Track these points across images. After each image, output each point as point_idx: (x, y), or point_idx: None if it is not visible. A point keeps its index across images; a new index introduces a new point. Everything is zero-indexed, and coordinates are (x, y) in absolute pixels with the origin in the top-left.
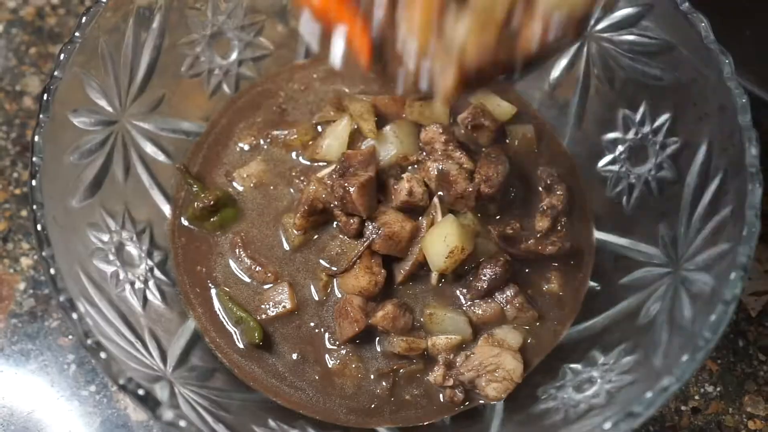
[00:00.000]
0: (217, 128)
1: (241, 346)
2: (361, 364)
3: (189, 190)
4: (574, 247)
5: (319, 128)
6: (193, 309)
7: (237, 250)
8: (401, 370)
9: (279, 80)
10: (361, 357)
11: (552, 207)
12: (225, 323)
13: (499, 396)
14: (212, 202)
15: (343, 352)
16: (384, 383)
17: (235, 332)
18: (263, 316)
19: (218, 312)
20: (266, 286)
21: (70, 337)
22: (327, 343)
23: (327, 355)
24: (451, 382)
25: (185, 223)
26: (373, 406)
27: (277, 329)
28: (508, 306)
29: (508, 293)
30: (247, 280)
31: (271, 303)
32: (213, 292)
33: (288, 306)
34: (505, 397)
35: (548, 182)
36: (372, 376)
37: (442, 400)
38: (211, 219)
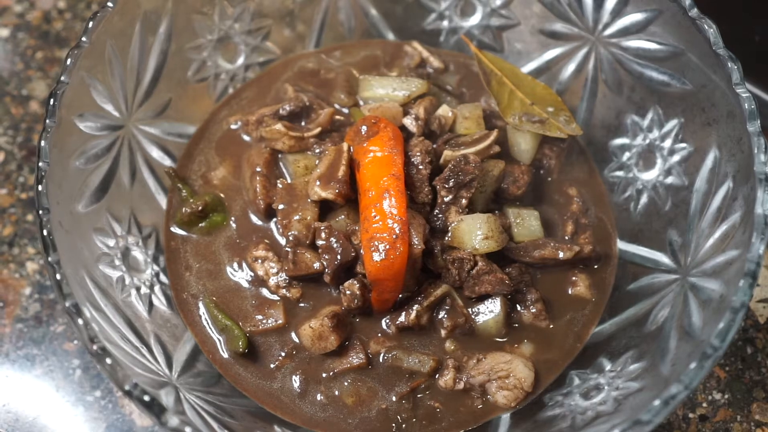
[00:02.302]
0: (209, 129)
1: (225, 355)
2: (371, 386)
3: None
4: (596, 251)
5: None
6: (184, 314)
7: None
8: (421, 386)
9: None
10: (365, 378)
11: (572, 212)
12: (210, 330)
13: (509, 404)
14: (200, 208)
15: (348, 379)
16: (405, 403)
17: (220, 340)
18: (253, 328)
19: (204, 318)
20: (271, 297)
21: (76, 342)
22: (325, 364)
23: (329, 378)
24: (462, 386)
25: (174, 228)
26: (401, 423)
27: (264, 342)
28: (525, 311)
29: (528, 298)
30: (244, 286)
31: (263, 316)
32: (200, 298)
33: (280, 322)
34: (515, 405)
35: (563, 188)
36: (394, 398)
37: (462, 409)
38: (200, 224)
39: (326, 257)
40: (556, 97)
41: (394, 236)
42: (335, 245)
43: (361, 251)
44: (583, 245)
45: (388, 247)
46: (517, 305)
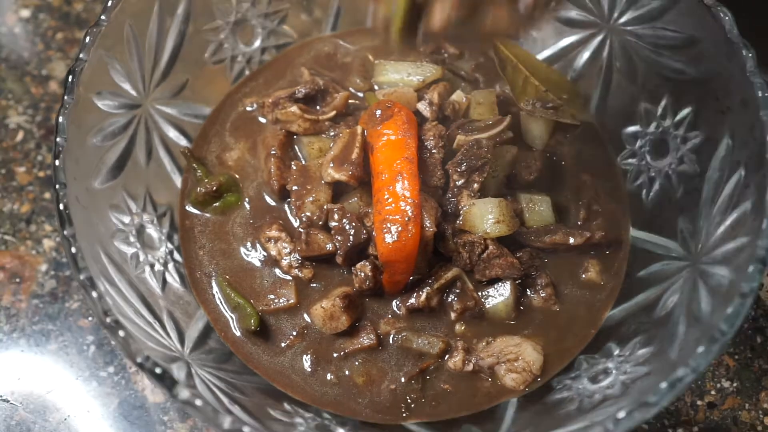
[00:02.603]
0: (225, 110)
1: (237, 333)
2: (381, 366)
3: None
4: (608, 237)
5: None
6: (197, 292)
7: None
8: (430, 367)
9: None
10: (375, 359)
11: (584, 199)
12: (223, 308)
13: (517, 387)
14: (215, 188)
15: (359, 359)
16: (414, 384)
17: (232, 318)
18: (265, 307)
19: (217, 296)
20: (283, 277)
21: (90, 318)
22: (336, 343)
23: (339, 358)
24: (471, 367)
25: (189, 207)
26: (410, 403)
27: (276, 321)
28: (535, 295)
29: (539, 282)
30: (257, 266)
31: (275, 295)
32: (213, 277)
33: (291, 301)
34: (523, 388)
35: (575, 175)
36: (403, 379)
37: (471, 391)
38: (214, 204)
39: (339, 239)
40: (570, 84)
41: (406, 218)
42: (348, 227)
43: (374, 233)
44: (594, 231)
45: (400, 228)
46: (528, 290)
